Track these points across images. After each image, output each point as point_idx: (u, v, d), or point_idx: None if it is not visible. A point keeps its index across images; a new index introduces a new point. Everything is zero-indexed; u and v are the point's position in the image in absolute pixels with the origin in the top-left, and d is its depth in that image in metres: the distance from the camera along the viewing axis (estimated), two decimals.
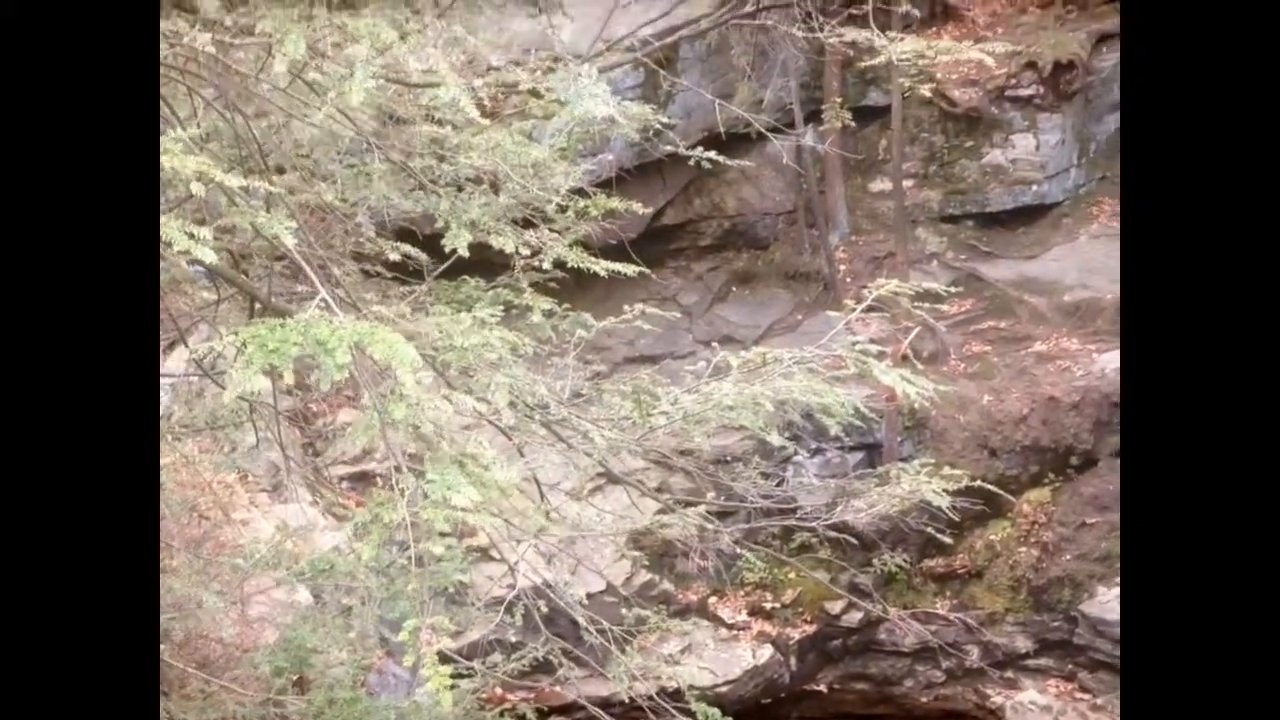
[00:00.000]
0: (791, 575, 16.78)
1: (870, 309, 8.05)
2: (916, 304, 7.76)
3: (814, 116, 19.76)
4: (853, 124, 17.89)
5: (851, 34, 5.75)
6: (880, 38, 5.44)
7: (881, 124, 20.44)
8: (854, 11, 5.86)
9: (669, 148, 8.48)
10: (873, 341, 18.87)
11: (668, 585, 17.33)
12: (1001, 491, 12.37)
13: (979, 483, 7.77)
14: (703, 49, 18.50)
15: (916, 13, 6.53)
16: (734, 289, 20.47)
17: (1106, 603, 16.86)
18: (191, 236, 4.03)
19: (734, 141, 9.57)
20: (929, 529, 8.24)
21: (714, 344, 7.71)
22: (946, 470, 7.62)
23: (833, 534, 8.88)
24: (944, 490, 7.17)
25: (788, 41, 6.54)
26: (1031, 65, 20.48)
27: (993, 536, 17.70)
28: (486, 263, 6.43)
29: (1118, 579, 16.79)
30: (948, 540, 17.25)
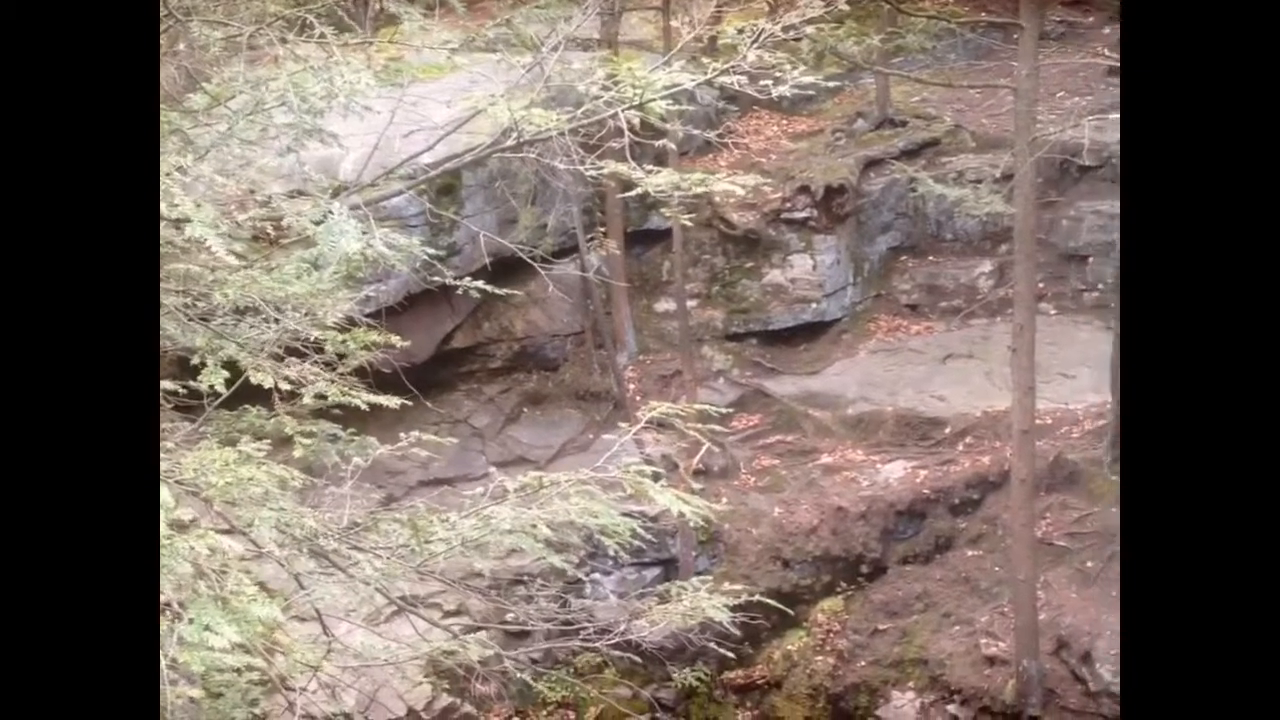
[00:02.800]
0: (595, 692, 16.71)
1: (660, 426, 8.23)
2: (700, 423, 7.94)
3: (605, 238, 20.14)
4: (618, 250, 18.28)
5: (611, 167, 5.94)
6: (637, 170, 5.64)
7: (664, 247, 20.92)
8: (614, 144, 6.08)
9: (451, 274, 8.56)
10: (664, 458, 19.14)
11: (469, 708, 17.07)
12: (781, 606, 12.55)
13: (758, 597, 7.91)
14: (485, 175, 18.73)
15: (673, 146, 6.80)
16: (526, 410, 20.54)
17: (901, 707, 17.17)
18: None
19: (520, 266, 9.70)
20: (711, 644, 8.34)
21: (491, 469, 7.77)
22: (727, 586, 7.75)
23: (624, 652, 8.92)
24: (724, 605, 7.29)
25: (565, 170, 6.73)
26: (805, 190, 21.29)
27: (790, 646, 17.92)
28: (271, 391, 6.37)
29: (910, 683, 17.14)
30: (748, 651, 17.57)
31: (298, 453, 5.94)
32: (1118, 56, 22.49)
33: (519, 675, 7.68)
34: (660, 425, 8.19)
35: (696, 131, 13.83)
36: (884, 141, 22.41)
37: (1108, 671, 15.61)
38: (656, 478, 6.61)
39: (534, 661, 16.03)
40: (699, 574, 17.31)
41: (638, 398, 19.97)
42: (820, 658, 17.78)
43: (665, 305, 21.34)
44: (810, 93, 21.52)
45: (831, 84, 22.77)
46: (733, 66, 5.84)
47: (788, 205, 21.31)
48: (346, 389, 5.70)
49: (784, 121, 23.45)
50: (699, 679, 17.04)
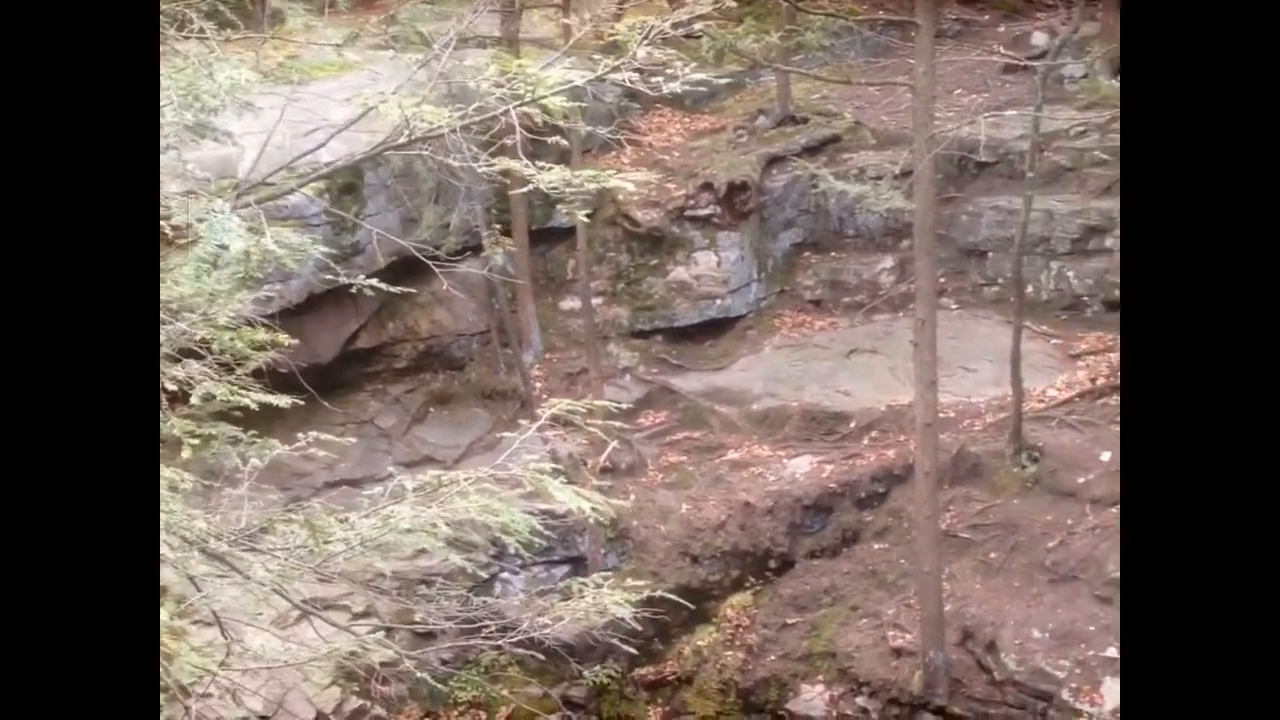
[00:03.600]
0: (505, 692, 16.66)
1: (568, 424, 8.23)
2: (601, 419, 7.95)
3: (504, 236, 20.08)
4: (512, 250, 18.25)
5: (504, 164, 5.94)
6: (529, 168, 5.65)
7: (569, 244, 20.92)
8: (506, 142, 6.07)
9: (356, 274, 8.49)
10: (572, 456, 19.11)
11: (380, 710, 16.94)
12: (684, 601, 12.57)
13: (660, 592, 7.94)
14: (386, 174, 18.59)
15: (566, 143, 6.81)
16: (432, 410, 20.42)
17: (810, 700, 17.30)
18: None
19: (425, 264, 9.63)
20: (615, 640, 8.36)
21: (393, 469, 7.72)
22: (635, 582, 7.77)
23: (528, 650, 8.91)
24: (627, 601, 7.31)
25: (463, 168, 6.71)
26: (708, 187, 21.41)
27: (700, 642, 17.98)
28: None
29: (819, 676, 17.28)
30: (658, 647, 17.61)
31: (185, 454, 5.87)
32: (1013, 54, 22.87)
33: (420, 676, 7.62)
34: (568, 423, 8.20)
35: (595, 130, 13.84)
36: (786, 138, 22.57)
37: (1012, 660, 15.85)
38: (557, 475, 6.62)
39: (444, 662, 15.95)
40: (608, 570, 17.40)
41: (544, 396, 19.92)
42: (730, 652, 17.86)
43: (571, 303, 21.33)
44: (711, 90, 21.59)
45: (724, 80, 23.01)
46: (623, 64, 5.86)
47: (691, 202, 21.42)
48: (237, 389, 5.64)
49: (686, 119, 23.55)
50: (610, 676, 17.10)
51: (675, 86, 5.77)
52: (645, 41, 5.68)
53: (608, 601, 7.23)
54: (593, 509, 6.44)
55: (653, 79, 5.90)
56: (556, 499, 6.41)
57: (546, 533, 8.06)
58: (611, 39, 7.25)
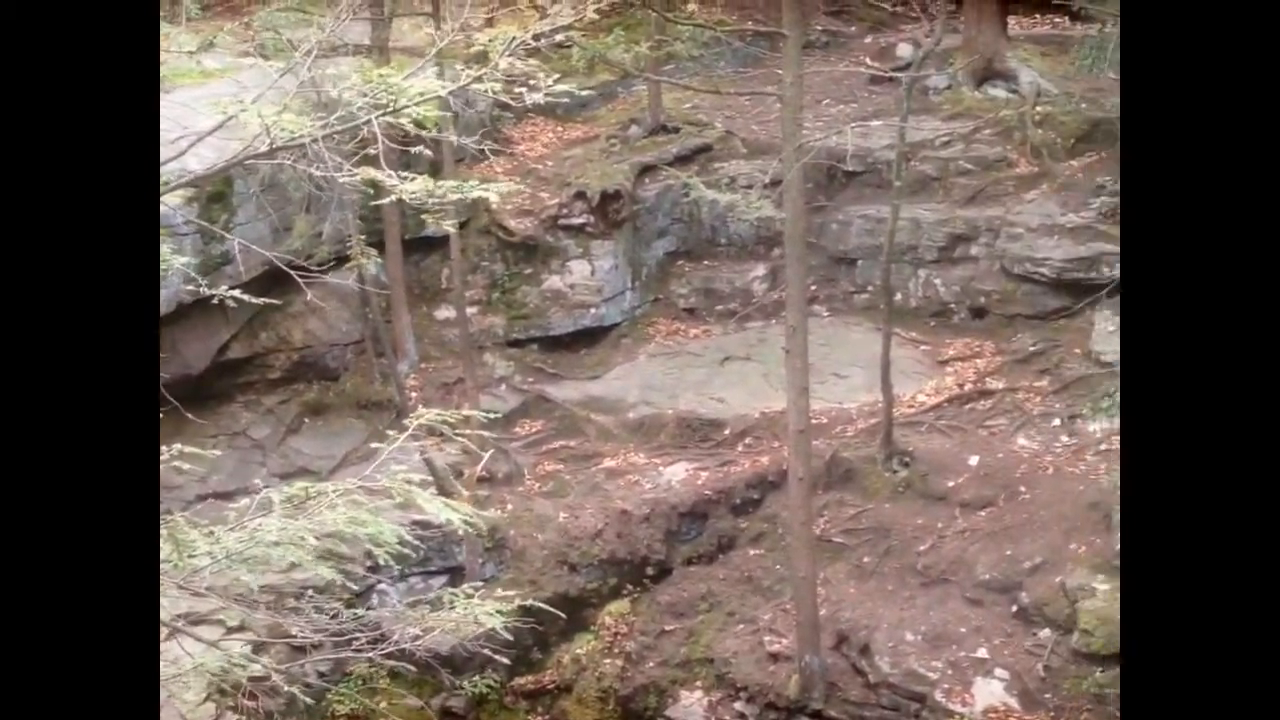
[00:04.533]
0: (383, 704, 16.52)
1: (442, 435, 8.19)
2: (469, 428, 7.93)
3: (376, 247, 19.92)
4: (374, 261, 18.15)
5: (368, 173, 5.93)
6: (393, 178, 5.64)
7: (443, 254, 20.82)
8: (369, 151, 6.06)
9: (226, 283, 8.39)
10: (450, 466, 18.98)
11: None
12: (556, 611, 12.54)
13: (531, 601, 7.95)
14: (255, 183, 18.35)
15: (429, 152, 6.81)
16: (307, 420, 20.19)
17: (689, 707, 17.40)
18: None
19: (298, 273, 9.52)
20: (485, 650, 8.35)
21: (261, 481, 7.64)
22: (507, 591, 7.76)
23: (398, 661, 8.85)
24: (498, 611, 7.30)
25: (332, 177, 6.67)
26: (581, 196, 21.46)
27: (579, 650, 17.98)
28: None
29: (698, 683, 17.38)
30: (537, 656, 17.56)
31: None
32: (879, 66, 23.27)
33: (288, 689, 7.55)
34: (444, 434, 8.17)
35: (465, 141, 13.77)
36: (658, 148, 22.71)
37: (886, 663, 16.11)
38: (426, 486, 6.60)
39: (322, 675, 15.77)
40: (486, 580, 17.34)
41: (420, 406, 19.81)
42: (609, 660, 17.88)
43: (446, 312, 21.23)
44: (583, 99, 21.60)
45: (597, 90, 23.06)
46: (485, 74, 5.88)
47: (565, 211, 21.46)
48: None
49: (559, 128, 23.58)
50: (489, 686, 17.03)
51: (538, 98, 5.82)
52: (507, 52, 5.71)
53: (478, 612, 7.23)
54: (462, 519, 6.43)
55: (516, 89, 5.93)
56: (426, 510, 6.39)
57: (416, 543, 8.02)
58: (480, 49, 7.28)
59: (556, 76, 5.92)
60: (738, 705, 17.02)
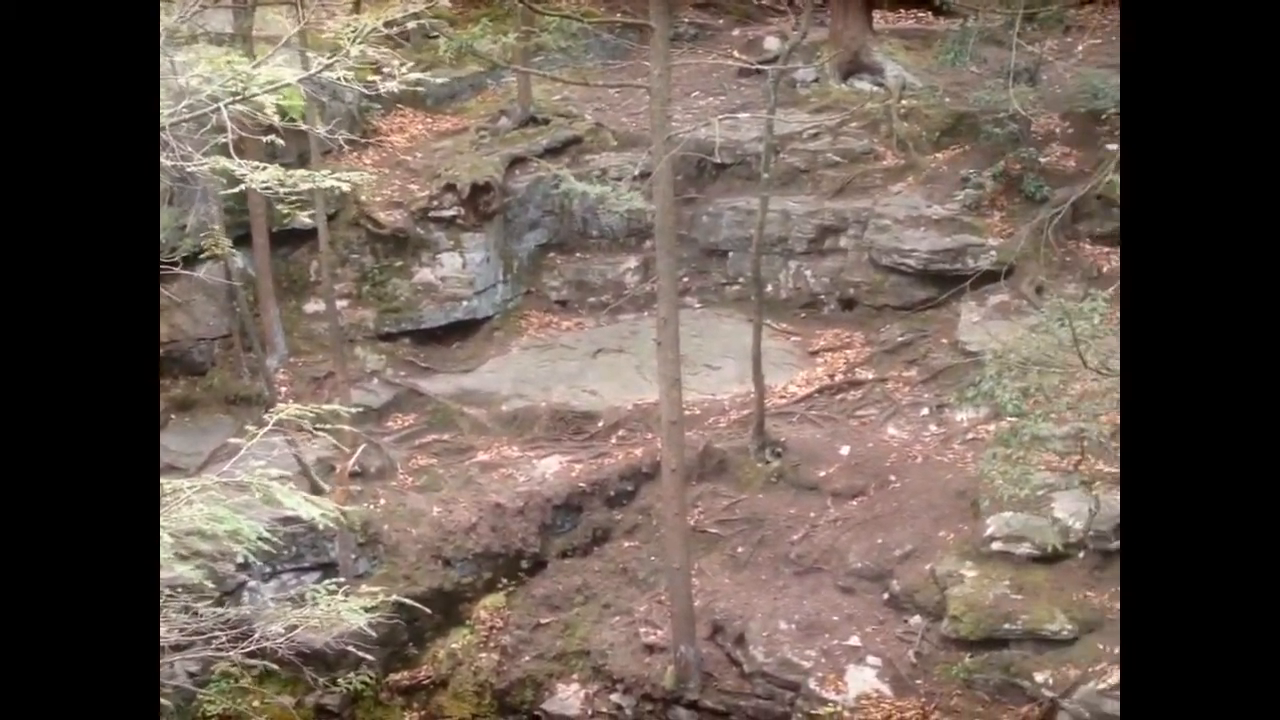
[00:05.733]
0: (256, 703, 16.27)
1: (316, 429, 8.07)
2: (354, 423, 7.84)
3: (243, 240, 19.59)
4: (234, 252, 17.86)
5: (218, 163, 5.83)
6: (242, 167, 5.55)
7: (311, 246, 20.51)
8: (223, 140, 5.95)
9: None
10: (320, 461, 18.70)
11: None
12: (424, 607, 12.35)
13: (395, 597, 7.88)
14: None
15: (281, 142, 6.73)
16: (174, 416, 19.77)
17: (566, 699, 17.40)
18: None
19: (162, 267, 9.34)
20: (350, 647, 8.26)
21: None
22: (372, 588, 7.67)
23: (262, 660, 8.72)
24: (362, 608, 7.21)
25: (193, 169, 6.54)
26: (451, 188, 21.31)
27: (454, 645, 17.90)
28: None
29: (574, 675, 17.38)
30: (413, 651, 17.40)
31: None
32: (746, 58, 23.42)
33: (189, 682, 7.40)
34: (316, 428, 8.05)
35: (324, 132, 13.61)
36: (528, 140, 22.64)
37: (760, 652, 16.26)
38: (286, 481, 6.50)
39: (191, 676, 15.47)
40: (359, 576, 17.17)
41: (290, 400, 19.52)
42: (485, 654, 17.82)
43: (315, 306, 20.94)
44: (452, 90, 21.40)
45: (451, 80, 22.89)
46: (335, 61, 5.80)
47: (435, 204, 21.30)
48: None
49: (429, 119, 23.37)
50: (364, 682, 16.86)
51: (393, 85, 5.75)
52: (359, 40, 5.63)
53: (341, 609, 7.13)
54: (322, 515, 6.35)
55: (369, 78, 5.86)
56: (285, 505, 6.29)
57: (279, 541, 7.90)
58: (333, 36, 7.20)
59: (411, 65, 5.85)
60: (614, 697, 17.07)
